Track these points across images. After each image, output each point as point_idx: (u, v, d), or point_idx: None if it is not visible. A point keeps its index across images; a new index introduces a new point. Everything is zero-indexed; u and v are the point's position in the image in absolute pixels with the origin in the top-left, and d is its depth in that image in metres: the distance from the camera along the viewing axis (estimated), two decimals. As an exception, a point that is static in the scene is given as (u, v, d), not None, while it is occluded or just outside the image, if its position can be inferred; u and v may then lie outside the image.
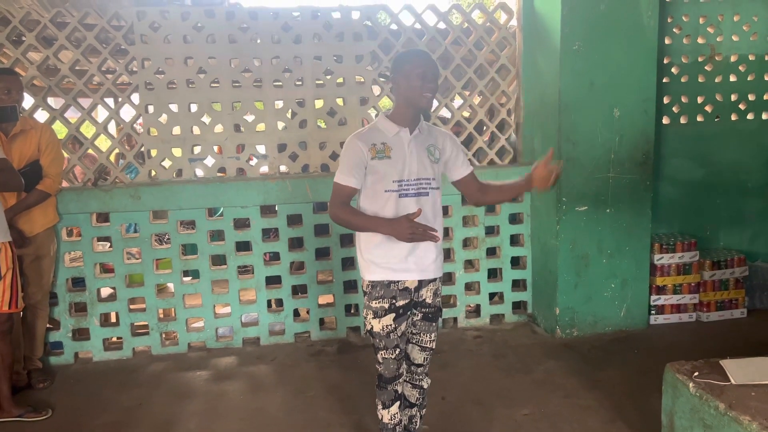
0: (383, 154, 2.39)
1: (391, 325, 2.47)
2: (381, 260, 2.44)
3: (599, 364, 3.89)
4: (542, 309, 4.57)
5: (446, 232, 4.55)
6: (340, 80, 4.44)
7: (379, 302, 2.47)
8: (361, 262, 2.52)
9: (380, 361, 2.55)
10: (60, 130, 4.25)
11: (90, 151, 4.31)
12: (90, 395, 3.71)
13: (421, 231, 2.28)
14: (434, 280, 2.56)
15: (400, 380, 2.61)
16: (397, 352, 2.53)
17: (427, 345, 2.62)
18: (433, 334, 2.61)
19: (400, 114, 2.44)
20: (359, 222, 2.42)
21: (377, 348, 2.53)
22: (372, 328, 2.50)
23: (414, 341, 2.62)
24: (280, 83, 4.38)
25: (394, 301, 2.47)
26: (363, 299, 2.55)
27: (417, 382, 2.69)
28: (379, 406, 2.62)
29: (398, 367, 2.56)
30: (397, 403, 2.61)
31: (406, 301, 2.49)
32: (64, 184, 4.10)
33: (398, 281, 2.46)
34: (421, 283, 2.52)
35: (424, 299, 2.55)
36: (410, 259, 2.45)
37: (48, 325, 4.03)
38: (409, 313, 2.55)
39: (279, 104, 4.41)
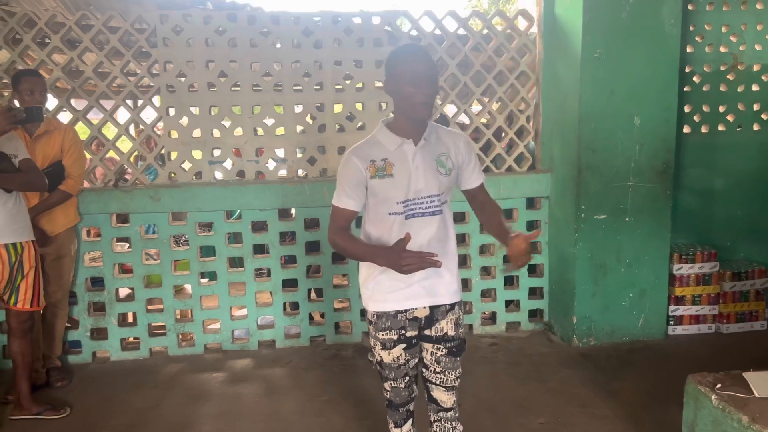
0: (384, 172, 2.09)
1: (401, 356, 2.23)
2: (386, 287, 2.16)
3: (616, 374, 3.85)
4: (559, 317, 4.54)
5: (462, 238, 4.54)
6: (360, 85, 4.46)
7: (386, 334, 2.20)
8: (363, 291, 2.24)
9: (388, 389, 2.32)
10: (82, 131, 4.30)
11: (111, 153, 4.35)
12: (107, 394, 3.74)
13: (416, 261, 1.95)
14: (452, 308, 2.24)
15: (413, 400, 2.37)
16: (407, 380, 2.29)
17: (453, 384, 2.30)
18: (458, 371, 2.29)
19: (401, 123, 2.12)
20: (355, 251, 2.13)
21: (385, 378, 2.30)
22: (381, 359, 2.26)
23: (438, 382, 2.28)
24: (300, 87, 4.40)
25: (403, 331, 2.20)
26: (369, 328, 2.29)
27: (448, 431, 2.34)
28: (391, 425, 2.41)
29: (410, 393, 2.33)
30: (410, 420, 2.39)
31: (416, 332, 2.23)
32: (85, 184, 4.14)
33: (406, 310, 2.19)
34: (435, 312, 2.22)
35: (446, 332, 2.23)
36: (418, 285, 2.16)
37: (67, 324, 4.07)
38: (414, 341, 2.25)
39: (298, 108, 4.43)
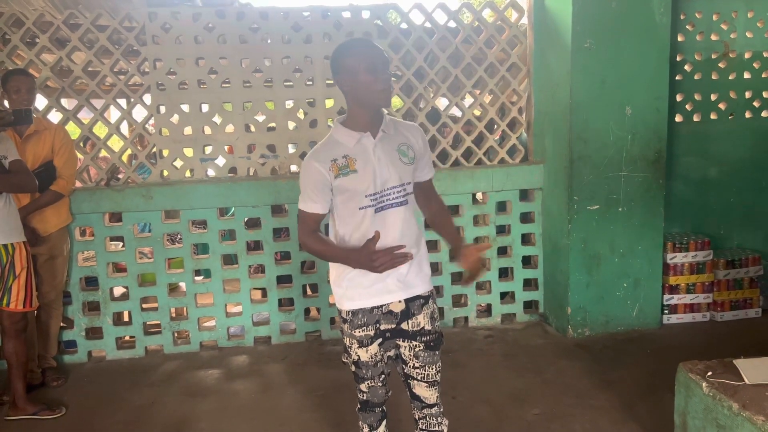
0: (347, 170, 2.08)
1: (378, 352, 2.22)
2: (359, 284, 2.15)
3: (611, 364, 3.86)
4: (554, 308, 4.55)
5: (457, 230, 4.53)
6: (351, 80, 4.44)
7: (363, 330, 2.18)
8: (336, 290, 2.23)
9: (365, 390, 2.28)
10: (73, 130, 4.29)
11: (103, 152, 4.34)
12: (103, 394, 3.74)
13: (388, 259, 1.99)
14: (427, 301, 2.23)
15: (388, 399, 2.35)
16: (383, 378, 2.28)
17: (435, 378, 2.27)
18: (438, 365, 2.26)
19: (356, 118, 2.11)
20: (327, 253, 2.16)
21: (362, 378, 2.26)
22: (359, 358, 2.22)
23: (419, 377, 2.25)
24: (291, 83, 4.39)
25: (378, 325, 2.18)
26: (343, 327, 2.25)
27: (434, 428, 2.31)
28: (366, 429, 2.35)
29: (387, 390, 2.31)
30: (384, 421, 2.37)
31: (392, 326, 2.20)
32: (77, 184, 4.13)
33: (381, 305, 2.17)
34: (411, 306, 2.20)
35: (423, 326, 2.22)
36: (390, 278, 2.14)
37: (62, 324, 4.06)
38: (388, 335, 2.23)
39: (289, 104, 4.42)
